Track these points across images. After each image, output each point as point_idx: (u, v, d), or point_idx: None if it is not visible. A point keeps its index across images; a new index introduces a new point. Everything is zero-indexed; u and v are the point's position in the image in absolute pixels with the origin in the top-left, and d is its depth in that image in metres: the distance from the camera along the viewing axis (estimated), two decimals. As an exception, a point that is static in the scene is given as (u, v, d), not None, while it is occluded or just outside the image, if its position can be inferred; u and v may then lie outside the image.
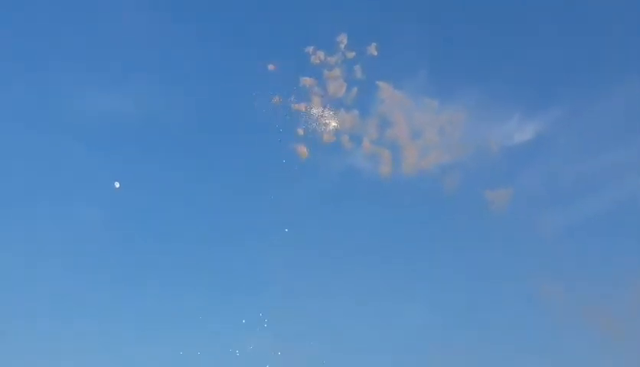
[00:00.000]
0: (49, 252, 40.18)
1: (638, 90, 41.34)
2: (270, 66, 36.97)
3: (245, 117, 40.49)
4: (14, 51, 42.65)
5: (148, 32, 42.23)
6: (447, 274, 40.02)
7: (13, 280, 38.95)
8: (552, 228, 39.67)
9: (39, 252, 40.08)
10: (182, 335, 38.32)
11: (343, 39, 37.38)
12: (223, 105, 42.25)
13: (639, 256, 39.27)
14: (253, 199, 41.02)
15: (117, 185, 38.10)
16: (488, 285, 39.48)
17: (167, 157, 42.60)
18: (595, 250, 40.05)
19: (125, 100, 41.77)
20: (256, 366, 34.64)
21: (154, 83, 42.34)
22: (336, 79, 37.25)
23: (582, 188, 41.22)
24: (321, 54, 37.24)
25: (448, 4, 44.20)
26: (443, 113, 38.95)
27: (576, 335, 37.62)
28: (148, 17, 42.14)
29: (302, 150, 37.01)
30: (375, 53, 37.44)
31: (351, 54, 37.32)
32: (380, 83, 38.09)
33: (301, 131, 37.05)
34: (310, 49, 37.33)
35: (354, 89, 37.59)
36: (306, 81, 37.20)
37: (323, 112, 37.31)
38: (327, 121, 37.34)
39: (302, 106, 36.96)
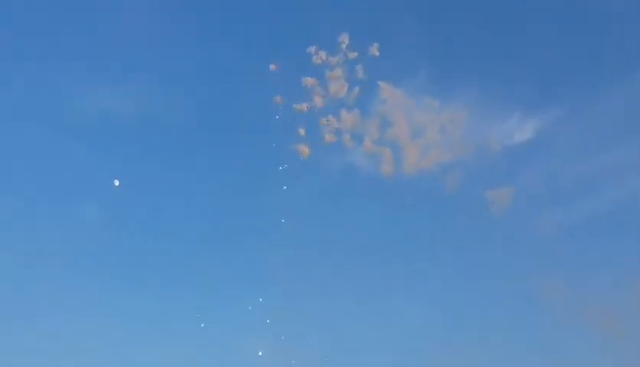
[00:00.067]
0: (48, 251, 40.28)
1: (639, 89, 41.50)
2: (271, 67, 37.05)
3: (246, 117, 40.70)
4: (13, 50, 42.70)
5: (149, 32, 42.36)
6: (447, 273, 40.12)
7: (13, 279, 39.08)
8: (552, 228, 39.77)
9: (38, 251, 40.17)
10: (182, 334, 38.52)
11: (344, 39, 37.43)
12: (224, 104, 42.39)
13: (639, 256, 39.37)
14: (252, 198, 41.14)
15: (116, 183, 38.16)
16: (487, 284, 39.60)
17: (167, 156, 42.72)
18: (596, 249, 40.25)
19: (126, 99, 41.88)
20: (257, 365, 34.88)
21: (154, 83, 42.50)
22: (337, 79, 37.30)
23: (582, 187, 41.40)
24: (322, 54, 37.28)
25: (448, 4, 44.37)
26: (444, 112, 39.04)
27: (576, 334, 37.75)
28: (148, 16, 42.29)
29: (303, 149, 37.06)
30: (377, 54, 37.54)
31: (353, 54, 37.37)
32: (381, 83, 38.18)
33: (302, 131, 37.16)
34: (312, 49, 37.43)
35: (356, 89, 37.68)
36: (308, 81, 37.23)
37: (324, 111, 37.46)
38: (328, 120, 37.39)
39: (303, 106, 37.01)
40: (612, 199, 40.66)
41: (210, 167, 42.63)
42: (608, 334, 37.24)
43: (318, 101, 37.04)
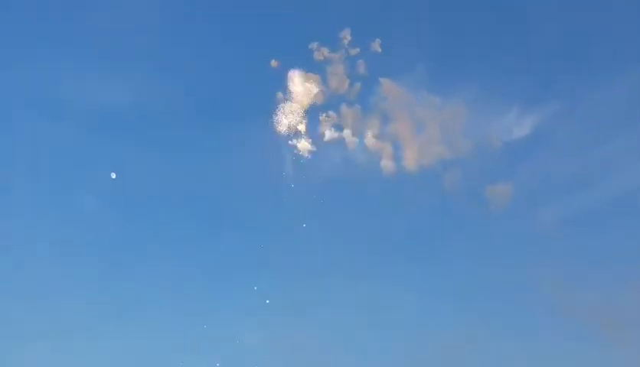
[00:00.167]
0: (47, 240, 40.45)
1: (637, 83, 41.63)
2: (273, 63, 37.05)
3: (246, 113, 40.66)
4: (13, 43, 42.35)
5: (150, 24, 41.96)
6: (447, 267, 40.55)
7: (13, 267, 39.28)
8: (551, 222, 40.13)
9: (38, 240, 40.33)
10: (180, 327, 38.93)
11: (346, 35, 37.41)
12: (225, 100, 42.28)
13: (638, 249, 39.73)
14: (251, 192, 41.27)
15: (113, 176, 38.50)
16: (487, 279, 39.99)
17: (165, 148, 42.64)
18: (595, 243, 40.62)
19: (125, 91, 41.69)
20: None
21: (154, 75, 42.24)
22: (339, 75, 37.34)
23: (580, 182, 41.63)
24: (324, 50, 37.30)
25: (448, 2, 44.24)
26: (444, 108, 39.15)
27: (575, 327, 38.35)
28: (149, 9, 41.85)
29: (305, 145, 37.19)
30: (378, 50, 37.60)
31: (354, 51, 37.41)
32: (382, 79, 38.24)
33: (303, 127, 37.24)
34: (314, 45, 37.44)
35: (357, 85, 37.82)
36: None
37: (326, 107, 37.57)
38: (329, 117, 37.51)
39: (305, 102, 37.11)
40: (610, 193, 40.98)
41: (208, 160, 42.62)
42: (605, 327, 37.80)
43: (320, 97, 37.20)
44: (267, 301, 36.17)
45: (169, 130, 42.57)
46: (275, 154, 37.92)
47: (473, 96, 40.25)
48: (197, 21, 43.33)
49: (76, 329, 37.94)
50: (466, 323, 38.72)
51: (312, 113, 37.44)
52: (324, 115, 37.54)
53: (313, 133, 37.43)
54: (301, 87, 36.76)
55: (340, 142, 38.09)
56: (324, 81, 37.29)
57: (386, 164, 38.52)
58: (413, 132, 38.61)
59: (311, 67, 37.32)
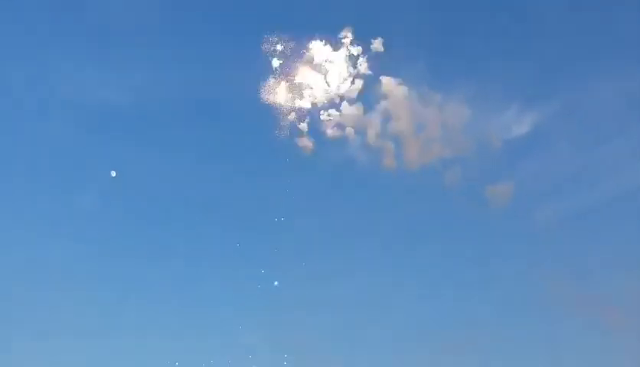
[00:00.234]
0: (48, 236, 40.46)
1: (636, 82, 41.70)
2: (274, 62, 37.19)
3: (246, 111, 40.71)
4: (13, 41, 42.33)
5: (150, 23, 41.99)
6: (447, 266, 40.66)
7: (14, 263, 39.24)
8: (551, 220, 40.23)
9: (38, 236, 40.34)
10: (180, 322, 38.99)
11: (347, 34, 37.55)
12: (225, 98, 42.26)
13: (638, 246, 39.82)
14: (251, 190, 41.32)
15: (113, 174, 38.54)
16: (488, 277, 40.07)
17: (165, 146, 42.65)
18: (595, 241, 40.74)
19: (125, 90, 41.74)
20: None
21: (153, 73, 42.21)
22: (341, 74, 37.45)
23: (580, 180, 41.72)
24: (326, 49, 37.41)
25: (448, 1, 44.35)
26: (445, 107, 39.28)
27: (575, 325, 38.45)
28: (149, 9, 41.89)
29: (306, 143, 37.26)
30: (380, 49, 37.72)
31: (356, 49, 37.55)
32: (384, 78, 38.32)
33: (304, 125, 37.30)
34: (315, 44, 37.54)
35: (358, 83, 37.93)
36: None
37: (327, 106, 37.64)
38: (331, 115, 37.60)
39: (306, 100, 37.20)
40: (610, 193, 41.01)
41: (208, 160, 42.67)
42: (606, 322, 38.00)
43: (321, 95, 37.29)
44: (275, 283, 36.31)
45: (169, 129, 42.67)
46: (276, 153, 38.11)
47: (472, 94, 40.45)
48: (198, 20, 43.43)
49: (75, 328, 37.97)
50: (466, 321, 38.92)
51: (314, 111, 37.64)
52: (325, 113, 37.69)
53: (314, 131, 37.63)
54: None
55: (341, 140, 38.31)
56: (325, 79, 37.46)
57: (388, 163, 38.69)
58: (413, 131, 38.80)
59: (312, 65, 37.48)
